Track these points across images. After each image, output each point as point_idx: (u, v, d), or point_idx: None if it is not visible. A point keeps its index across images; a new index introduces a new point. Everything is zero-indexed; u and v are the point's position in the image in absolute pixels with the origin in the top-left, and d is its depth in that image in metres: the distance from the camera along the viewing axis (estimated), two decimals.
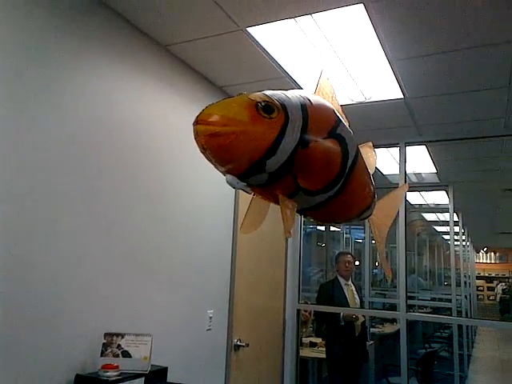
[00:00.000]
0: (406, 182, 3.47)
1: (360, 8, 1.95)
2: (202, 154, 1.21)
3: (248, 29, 2.17)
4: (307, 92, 1.41)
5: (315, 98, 1.41)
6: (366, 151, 1.63)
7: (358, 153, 1.47)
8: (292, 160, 1.20)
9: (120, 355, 1.82)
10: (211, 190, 2.83)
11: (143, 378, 1.80)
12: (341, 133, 1.41)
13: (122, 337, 1.86)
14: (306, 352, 4.31)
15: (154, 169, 2.34)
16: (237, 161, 1.18)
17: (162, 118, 2.43)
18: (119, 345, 1.84)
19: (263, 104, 1.16)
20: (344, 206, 1.49)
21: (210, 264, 2.79)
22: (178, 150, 2.53)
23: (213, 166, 1.24)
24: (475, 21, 2.02)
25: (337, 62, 2.49)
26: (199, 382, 2.49)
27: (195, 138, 1.16)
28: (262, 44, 2.31)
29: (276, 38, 2.26)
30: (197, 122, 1.13)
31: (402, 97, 2.87)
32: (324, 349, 4.16)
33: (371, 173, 1.59)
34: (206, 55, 2.49)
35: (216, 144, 1.14)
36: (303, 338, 4.65)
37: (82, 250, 1.89)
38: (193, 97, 2.67)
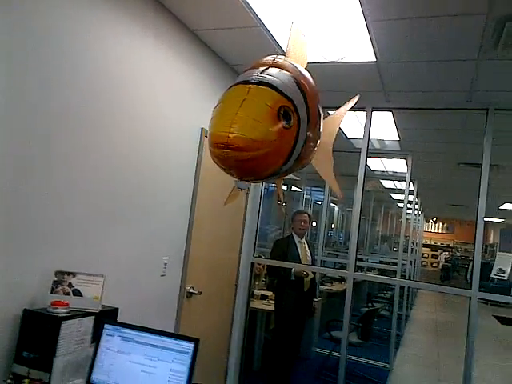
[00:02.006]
0: (368, 147, 3.49)
1: None
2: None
3: None
4: (289, 61, 1.40)
5: (306, 77, 1.41)
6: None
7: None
8: (299, 156, 1.25)
9: (71, 293, 1.81)
10: (175, 138, 2.77)
11: (93, 317, 1.80)
12: (320, 106, 1.45)
13: (74, 275, 1.84)
14: (256, 304, 4.47)
15: (117, 112, 2.25)
16: (260, 175, 1.21)
17: (135, 60, 2.31)
18: (70, 283, 1.82)
19: (283, 112, 1.15)
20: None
21: (168, 212, 2.78)
22: (146, 96, 2.43)
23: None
24: None
25: (314, 18, 2.42)
26: (150, 325, 2.53)
27: (220, 160, 1.11)
28: None
29: None
30: (225, 146, 1.07)
31: (375, 60, 2.86)
32: (273, 302, 4.32)
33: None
34: None
35: (246, 167, 1.12)
36: (255, 291, 4.81)
37: (41, 184, 1.82)
38: (164, 38, 2.55)
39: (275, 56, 1.39)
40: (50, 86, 1.84)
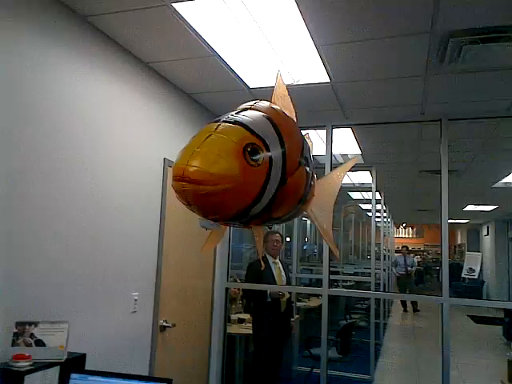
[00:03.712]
0: (331, 162, 3.54)
1: None
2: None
3: (173, 4, 2.08)
4: (270, 105, 1.40)
5: (281, 114, 1.38)
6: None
7: (311, 159, 1.48)
8: (273, 200, 1.19)
9: (33, 344, 1.73)
10: (138, 171, 2.73)
11: (58, 367, 1.73)
12: (306, 154, 1.41)
13: (36, 325, 1.77)
14: (233, 329, 4.40)
15: (77, 150, 2.21)
16: (224, 214, 1.14)
17: (86, 93, 2.28)
18: (32, 334, 1.75)
19: (250, 149, 1.10)
20: (299, 213, 1.54)
21: (135, 246, 2.72)
22: (101, 131, 2.40)
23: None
24: (397, 11, 2.10)
25: (265, 45, 2.47)
26: (122, 367, 2.44)
27: (179, 194, 1.06)
28: (188, 21, 2.23)
29: (203, 16, 2.19)
30: (182, 179, 1.02)
31: (329, 81, 2.94)
32: (251, 325, 4.26)
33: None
34: (130, 30, 2.36)
35: (206, 203, 1.07)
36: (232, 315, 4.74)
37: None
38: (118, 72, 2.53)
39: (257, 100, 1.38)
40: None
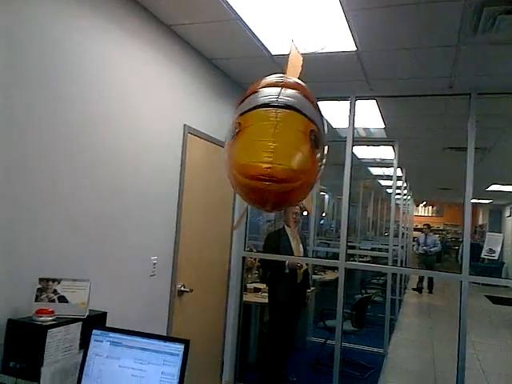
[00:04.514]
0: (353, 135, 3.47)
1: None
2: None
3: None
4: (297, 81, 1.40)
5: (309, 91, 1.38)
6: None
7: None
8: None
9: (56, 300, 1.78)
10: (158, 138, 2.74)
11: (80, 323, 1.78)
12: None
13: (58, 282, 1.81)
14: (249, 297, 4.47)
15: (97, 115, 2.21)
16: (291, 204, 1.23)
17: (104, 55, 2.26)
18: (55, 290, 1.80)
19: (313, 137, 1.12)
20: None
21: (155, 212, 2.75)
22: (119, 95, 2.39)
23: (252, 205, 1.18)
24: None
25: (291, 9, 2.39)
26: (141, 327, 2.51)
27: (258, 193, 1.03)
28: None
29: None
30: (269, 178, 0.98)
31: (355, 49, 2.84)
32: (267, 294, 4.32)
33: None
34: None
35: (283, 199, 1.06)
36: (248, 284, 4.81)
37: (22, 186, 1.79)
38: (140, 36, 2.50)
39: (282, 75, 1.34)
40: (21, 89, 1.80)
